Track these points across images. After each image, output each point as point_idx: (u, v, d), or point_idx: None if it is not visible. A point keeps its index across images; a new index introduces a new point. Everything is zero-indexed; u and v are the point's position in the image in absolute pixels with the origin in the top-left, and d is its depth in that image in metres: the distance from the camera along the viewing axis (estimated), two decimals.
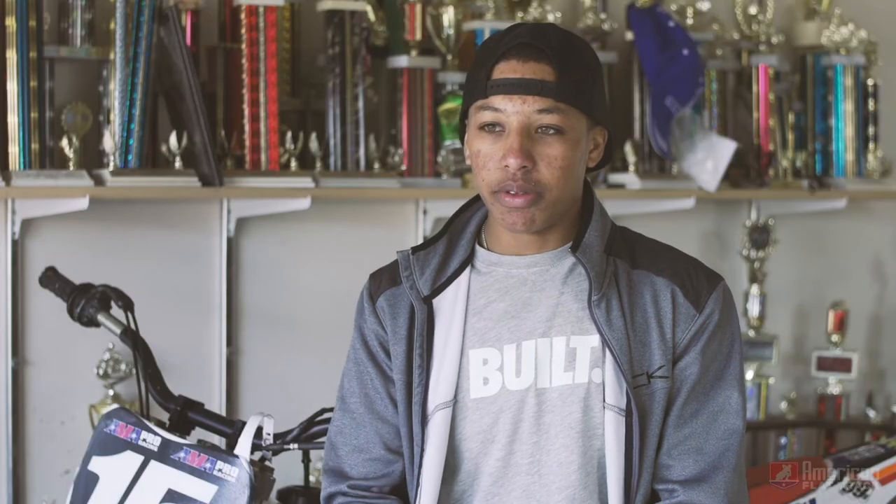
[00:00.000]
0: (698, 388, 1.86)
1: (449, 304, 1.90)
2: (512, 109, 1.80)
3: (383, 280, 1.96)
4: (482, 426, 1.87)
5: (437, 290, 1.91)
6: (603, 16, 3.72)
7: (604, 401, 1.82)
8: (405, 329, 1.91)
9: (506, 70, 1.81)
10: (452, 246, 1.94)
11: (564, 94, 1.80)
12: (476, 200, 1.97)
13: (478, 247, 1.94)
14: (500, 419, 1.86)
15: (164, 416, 2.41)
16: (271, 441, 2.29)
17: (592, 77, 1.86)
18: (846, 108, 4.11)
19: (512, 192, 1.81)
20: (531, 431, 1.84)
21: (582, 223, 1.90)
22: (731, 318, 1.90)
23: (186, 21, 3.12)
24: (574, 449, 1.83)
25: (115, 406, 2.43)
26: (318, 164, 3.22)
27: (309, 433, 2.33)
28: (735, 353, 1.89)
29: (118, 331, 2.50)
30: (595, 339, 1.84)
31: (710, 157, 3.75)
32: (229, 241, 3.23)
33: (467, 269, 1.92)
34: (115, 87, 2.94)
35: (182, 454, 2.24)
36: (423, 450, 1.86)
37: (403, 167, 3.35)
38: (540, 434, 1.84)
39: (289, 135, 3.18)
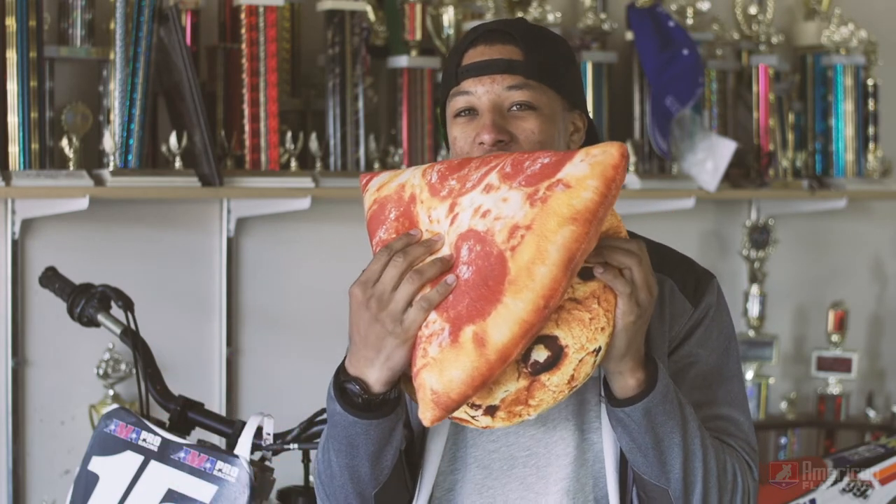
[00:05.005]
0: (699, 378, 1.85)
1: None
2: (482, 90, 1.81)
3: None
4: None
5: None
6: (603, 16, 3.72)
7: (600, 394, 1.82)
8: None
9: (474, 55, 1.83)
10: None
11: (532, 71, 1.81)
12: None
13: None
14: None
15: (164, 416, 2.41)
16: (271, 441, 2.29)
17: (563, 61, 1.87)
18: (846, 108, 4.12)
19: None
20: (528, 424, 1.84)
21: None
22: (726, 313, 1.90)
23: (186, 21, 3.13)
24: (570, 441, 1.83)
25: (115, 406, 2.43)
26: (318, 164, 3.22)
27: (309, 433, 2.33)
28: (732, 349, 1.89)
29: (118, 331, 2.50)
30: None
31: (710, 157, 3.75)
32: (229, 241, 3.23)
33: None
34: (115, 87, 2.94)
35: (182, 454, 2.25)
36: (424, 437, 1.86)
37: (403, 167, 3.35)
38: (537, 426, 1.84)
39: (289, 135, 3.18)
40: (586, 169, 1.55)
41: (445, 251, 1.61)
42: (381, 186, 1.71)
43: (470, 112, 1.83)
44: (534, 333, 1.56)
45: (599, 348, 1.62)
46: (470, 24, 3.50)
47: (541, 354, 1.60)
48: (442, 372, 1.57)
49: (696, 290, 1.86)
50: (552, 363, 1.60)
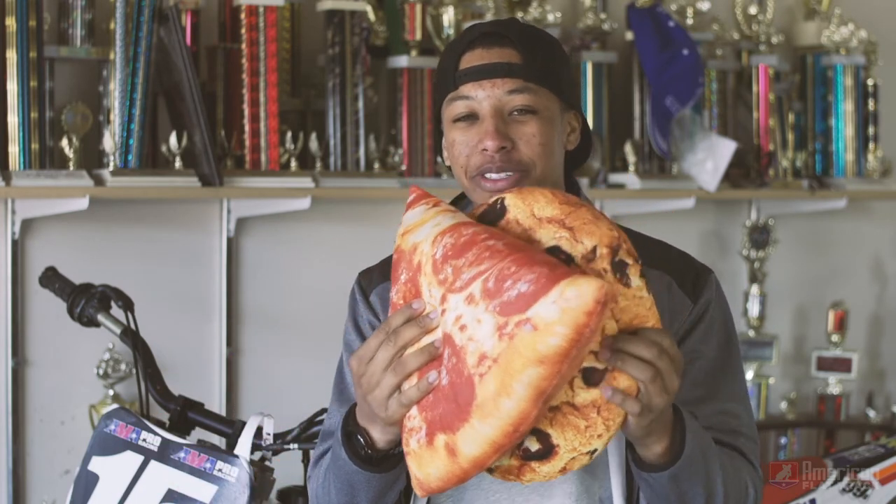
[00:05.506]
0: (700, 374, 1.84)
1: None
2: (483, 95, 1.80)
3: (374, 276, 1.94)
4: None
5: None
6: (603, 16, 3.72)
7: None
8: None
9: (472, 59, 1.82)
10: None
11: (532, 74, 1.80)
12: (463, 197, 1.94)
13: None
14: None
15: (164, 416, 2.41)
16: (271, 441, 2.29)
17: (559, 61, 1.86)
18: (846, 108, 4.12)
19: (493, 177, 1.80)
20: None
21: None
22: (726, 307, 1.89)
23: (186, 21, 3.13)
24: None
25: (115, 406, 2.43)
26: (318, 164, 3.22)
27: (309, 433, 2.33)
28: (733, 343, 1.89)
29: (118, 331, 2.50)
30: None
31: (710, 157, 3.75)
32: (229, 241, 3.23)
33: None
34: (115, 87, 2.94)
35: (182, 454, 2.25)
36: None
37: (403, 167, 3.35)
38: None
39: (289, 135, 3.18)
40: (556, 314, 1.43)
41: (439, 333, 1.57)
42: (407, 232, 1.66)
43: (470, 116, 1.81)
44: (508, 448, 1.52)
45: (595, 450, 1.56)
46: (470, 25, 3.49)
47: (532, 445, 1.56)
48: (420, 465, 1.57)
49: (694, 286, 1.86)
50: (543, 455, 1.56)
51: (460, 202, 1.97)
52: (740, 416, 1.85)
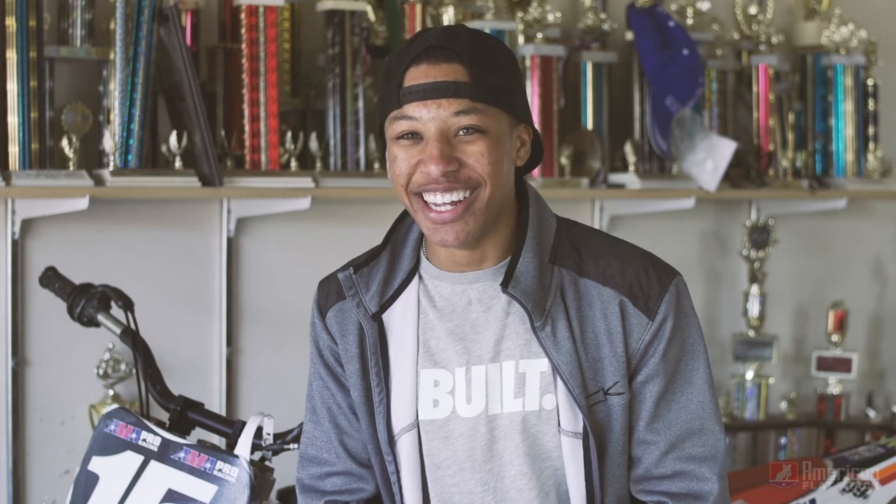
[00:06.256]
0: (667, 396, 1.82)
1: (399, 318, 1.85)
2: (428, 116, 1.73)
3: (331, 291, 1.90)
4: (430, 449, 1.84)
5: (386, 304, 1.85)
6: (603, 16, 3.72)
7: (559, 426, 1.79)
8: (356, 347, 1.87)
9: (417, 75, 1.74)
10: (396, 257, 1.88)
11: (480, 93, 1.73)
12: (406, 215, 1.90)
13: (423, 256, 1.88)
14: (449, 445, 1.83)
15: (164, 416, 2.41)
16: (271, 441, 2.29)
17: (509, 74, 1.79)
18: (846, 108, 4.12)
19: (437, 206, 1.75)
20: (484, 459, 1.82)
21: (516, 242, 1.81)
22: (687, 316, 1.83)
23: (186, 21, 3.13)
24: (530, 475, 1.80)
25: (115, 406, 2.43)
26: (318, 164, 3.22)
27: None
28: (698, 352, 1.83)
29: (118, 331, 2.50)
30: (544, 363, 1.79)
31: (710, 157, 3.75)
32: (229, 241, 3.23)
33: (414, 280, 1.86)
34: (115, 87, 2.94)
35: (182, 454, 2.25)
36: (398, 470, 1.85)
37: None
38: (493, 461, 1.82)
39: (289, 135, 3.18)
40: None
41: None
42: None
43: (414, 135, 1.75)
44: None
45: None
46: (470, 25, 3.49)
47: None
48: None
49: (650, 300, 1.80)
50: None
51: (405, 220, 1.91)
52: (699, 434, 1.81)
